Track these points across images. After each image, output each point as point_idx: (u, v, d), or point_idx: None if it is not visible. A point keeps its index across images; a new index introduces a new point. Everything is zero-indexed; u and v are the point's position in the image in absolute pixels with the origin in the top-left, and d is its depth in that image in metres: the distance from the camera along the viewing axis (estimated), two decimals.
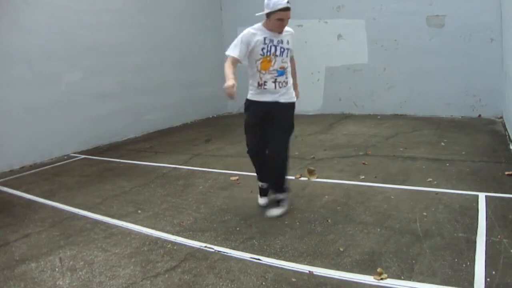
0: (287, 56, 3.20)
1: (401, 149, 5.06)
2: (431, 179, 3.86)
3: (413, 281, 2.23)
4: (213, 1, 9.23)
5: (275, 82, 3.18)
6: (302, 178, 4.16)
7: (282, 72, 3.18)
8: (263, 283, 2.31)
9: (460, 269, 2.30)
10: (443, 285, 2.16)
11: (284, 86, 3.22)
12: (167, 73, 7.91)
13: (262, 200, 3.51)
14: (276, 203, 3.36)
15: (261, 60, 3.15)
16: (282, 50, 3.15)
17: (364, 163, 4.56)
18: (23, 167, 5.51)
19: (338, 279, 2.31)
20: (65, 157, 5.97)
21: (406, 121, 6.86)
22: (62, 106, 6.03)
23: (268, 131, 3.24)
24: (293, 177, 4.19)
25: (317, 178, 4.14)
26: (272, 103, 3.21)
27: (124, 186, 4.37)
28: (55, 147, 5.96)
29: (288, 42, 3.20)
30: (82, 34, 6.27)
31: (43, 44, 5.76)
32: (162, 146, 6.33)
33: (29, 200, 4.12)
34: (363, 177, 4.10)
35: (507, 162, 4.20)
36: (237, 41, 3.13)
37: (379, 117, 7.48)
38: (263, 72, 3.17)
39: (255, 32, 3.14)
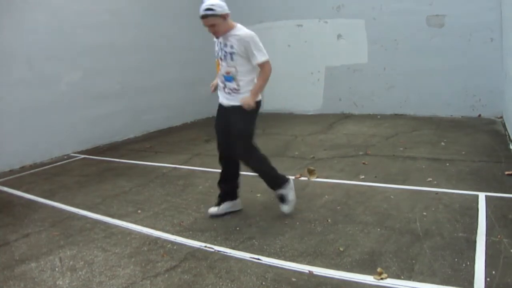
0: (231, 60, 3.02)
1: (401, 149, 5.06)
2: (431, 179, 3.86)
3: (413, 281, 2.23)
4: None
5: (224, 87, 3.17)
6: (302, 178, 4.16)
7: (229, 78, 3.08)
8: (263, 283, 2.31)
9: (460, 269, 2.30)
10: (443, 285, 2.16)
11: (235, 93, 3.10)
12: (167, 73, 7.91)
13: (211, 209, 3.39)
14: (280, 200, 3.28)
15: (216, 62, 3.17)
16: (225, 54, 3.05)
17: (364, 163, 4.56)
18: (23, 167, 5.51)
19: (338, 279, 2.31)
20: (65, 157, 5.97)
21: (406, 121, 6.86)
22: (62, 106, 6.04)
23: None
24: (293, 177, 4.19)
25: (317, 178, 4.14)
26: (225, 108, 3.21)
27: (124, 186, 4.37)
28: (55, 147, 5.96)
29: (232, 46, 3.00)
30: (82, 34, 6.27)
31: (43, 44, 5.77)
32: (162, 146, 6.33)
33: (29, 200, 4.13)
34: (363, 177, 4.10)
35: (507, 162, 4.19)
36: None
37: (379, 117, 7.47)
38: (217, 74, 3.21)
39: None
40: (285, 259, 2.57)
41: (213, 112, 10.11)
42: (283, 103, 8.68)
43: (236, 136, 3.14)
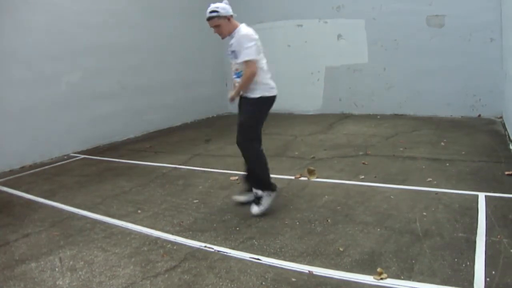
0: (235, 58, 3.23)
1: (401, 149, 5.06)
2: (431, 179, 3.86)
3: (413, 281, 2.23)
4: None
5: (236, 83, 3.34)
6: (302, 178, 4.16)
7: (238, 74, 3.27)
8: (263, 283, 2.31)
9: (460, 269, 2.30)
10: (443, 285, 2.16)
11: (245, 90, 3.28)
12: (167, 73, 7.91)
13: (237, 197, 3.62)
14: (255, 200, 3.33)
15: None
16: (231, 52, 3.29)
17: (364, 163, 4.56)
18: (23, 167, 5.51)
19: (338, 279, 2.31)
20: (65, 157, 5.97)
21: (406, 121, 6.86)
22: (62, 106, 6.04)
23: None
24: (293, 177, 4.20)
25: (317, 178, 4.14)
26: (241, 98, 3.39)
27: (124, 186, 4.37)
28: (55, 147, 5.96)
29: (232, 45, 3.25)
30: (82, 34, 6.28)
31: (43, 44, 5.77)
32: (162, 146, 6.33)
33: (29, 200, 4.13)
34: (363, 177, 4.10)
35: (507, 162, 4.19)
36: None
37: (379, 117, 7.47)
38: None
39: None
40: (285, 259, 2.58)
41: (213, 112, 10.08)
42: (283, 103, 8.62)
43: (238, 124, 3.31)
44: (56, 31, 5.95)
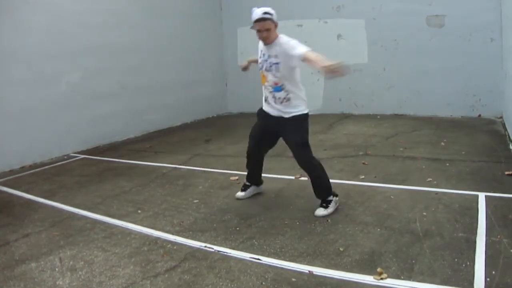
0: (277, 71, 3.07)
1: (401, 149, 5.06)
2: (431, 179, 3.86)
3: (413, 281, 2.23)
4: (213, 1, 9.23)
5: (274, 97, 3.19)
6: (302, 178, 4.16)
7: (277, 88, 3.12)
8: (263, 283, 2.31)
9: (460, 269, 2.30)
10: (443, 285, 2.16)
11: (285, 102, 3.14)
12: (167, 73, 7.91)
13: (239, 194, 3.71)
14: (323, 204, 3.25)
15: (260, 74, 3.23)
16: (270, 65, 3.11)
17: (364, 163, 4.56)
18: (23, 167, 5.51)
19: (338, 279, 2.31)
20: (65, 157, 5.97)
21: (406, 121, 6.86)
22: (62, 106, 6.03)
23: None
24: (293, 177, 4.20)
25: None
26: (278, 118, 3.22)
27: (124, 186, 4.37)
28: (55, 147, 5.96)
29: (276, 56, 3.07)
30: (82, 34, 6.27)
31: (43, 44, 5.76)
32: (162, 146, 6.33)
33: (29, 200, 4.12)
34: (363, 177, 4.10)
35: (507, 162, 4.19)
36: None
37: (379, 117, 7.48)
38: (263, 85, 3.25)
39: (259, 43, 3.23)
40: (285, 259, 2.57)
41: (213, 112, 10.05)
42: None
43: (299, 147, 3.18)
44: (56, 31, 5.94)
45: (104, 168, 5.20)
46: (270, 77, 3.13)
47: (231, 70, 9.47)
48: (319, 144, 5.65)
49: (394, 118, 7.20)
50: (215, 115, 9.25)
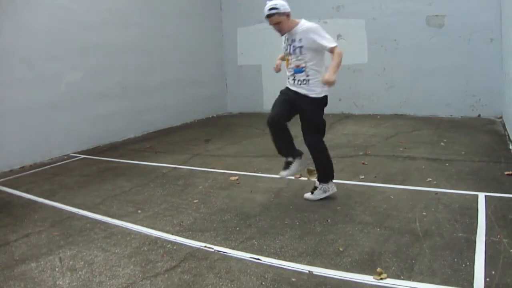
0: (300, 54, 3.24)
1: (401, 149, 5.06)
2: (430, 179, 3.86)
3: (413, 281, 2.23)
4: (213, 1, 9.23)
5: (294, 79, 3.35)
6: (302, 178, 4.16)
7: (299, 70, 3.29)
8: (263, 283, 2.31)
9: (460, 269, 2.30)
10: (442, 285, 2.17)
11: (305, 84, 3.30)
12: (167, 73, 7.91)
13: (282, 172, 3.52)
14: (313, 188, 3.46)
15: (285, 58, 3.40)
16: (293, 48, 3.27)
17: (363, 163, 4.56)
18: (23, 167, 5.51)
19: (337, 279, 2.31)
20: (65, 157, 5.97)
21: (406, 121, 6.87)
22: (62, 106, 6.04)
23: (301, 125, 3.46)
24: (293, 177, 4.20)
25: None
26: (297, 94, 3.35)
27: (124, 186, 4.37)
28: (55, 147, 5.96)
29: (300, 40, 3.23)
30: (82, 34, 6.28)
31: (43, 44, 5.76)
32: (162, 146, 6.33)
33: (29, 200, 4.13)
34: (362, 177, 4.10)
35: (507, 162, 4.20)
36: None
37: (379, 117, 7.48)
38: (287, 69, 3.40)
39: None
40: (285, 259, 2.58)
41: (213, 112, 10.08)
42: None
43: (313, 128, 3.39)
44: (56, 31, 5.94)
45: (104, 168, 5.20)
46: (293, 60, 3.30)
47: (231, 70, 9.48)
48: None
49: (394, 118, 7.20)
50: (215, 115, 9.25)
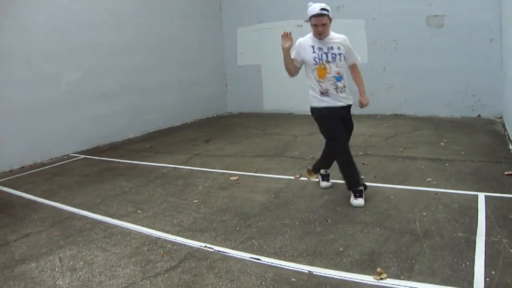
0: (340, 61, 3.32)
1: (401, 149, 5.07)
2: (430, 179, 3.86)
3: (413, 281, 2.23)
4: (213, 1, 9.24)
5: (336, 88, 3.35)
6: (302, 178, 4.16)
7: (340, 77, 3.34)
8: (263, 283, 2.31)
9: (460, 269, 2.30)
10: (442, 285, 2.17)
11: (345, 91, 3.39)
12: (167, 73, 7.92)
13: (324, 184, 3.85)
14: (354, 195, 3.42)
15: (316, 69, 3.32)
16: (333, 56, 3.31)
17: (363, 163, 4.56)
18: (23, 167, 5.51)
19: (337, 279, 2.31)
20: (65, 157, 5.97)
21: (406, 121, 6.87)
22: (62, 106, 6.04)
23: None
24: (293, 177, 4.20)
25: (317, 178, 4.14)
26: (344, 106, 3.42)
27: (124, 186, 4.37)
28: (55, 147, 5.96)
29: (339, 48, 3.33)
30: (82, 34, 6.28)
31: (43, 44, 5.77)
32: (162, 146, 6.33)
33: (29, 200, 4.13)
34: (362, 177, 4.07)
35: (507, 162, 4.20)
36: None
37: (378, 117, 7.48)
38: (321, 80, 3.33)
39: (302, 42, 3.42)
40: (285, 259, 2.58)
41: (213, 112, 10.05)
42: (283, 103, 8.68)
43: (350, 131, 3.60)
44: (56, 31, 5.94)
45: (104, 168, 5.20)
46: (333, 67, 3.31)
47: (231, 70, 9.48)
48: (319, 144, 5.63)
49: (394, 118, 7.20)
50: (215, 115, 9.25)
